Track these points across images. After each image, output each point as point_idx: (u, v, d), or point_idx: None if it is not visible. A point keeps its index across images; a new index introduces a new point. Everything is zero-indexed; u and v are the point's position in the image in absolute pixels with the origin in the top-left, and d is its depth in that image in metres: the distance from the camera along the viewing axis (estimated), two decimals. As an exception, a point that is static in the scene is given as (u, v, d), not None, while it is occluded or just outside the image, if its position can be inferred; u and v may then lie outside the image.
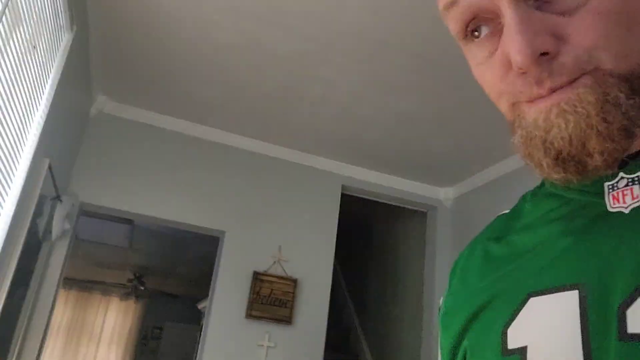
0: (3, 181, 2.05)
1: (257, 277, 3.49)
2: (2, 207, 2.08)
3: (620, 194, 0.44)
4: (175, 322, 8.51)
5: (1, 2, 1.63)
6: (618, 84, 0.40)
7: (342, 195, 4.02)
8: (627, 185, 0.44)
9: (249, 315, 3.42)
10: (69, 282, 8.22)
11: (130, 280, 7.91)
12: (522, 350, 0.43)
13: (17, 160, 2.16)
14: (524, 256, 0.49)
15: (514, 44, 0.40)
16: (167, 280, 7.92)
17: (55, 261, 3.15)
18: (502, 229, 0.56)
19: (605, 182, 0.45)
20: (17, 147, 2.13)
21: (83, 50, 2.83)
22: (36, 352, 2.96)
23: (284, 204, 3.78)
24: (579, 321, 0.40)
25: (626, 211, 0.43)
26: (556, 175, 0.45)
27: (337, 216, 3.90)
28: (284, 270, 3.61)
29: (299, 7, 2.47)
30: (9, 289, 2.21)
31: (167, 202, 3.51)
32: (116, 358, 8.45)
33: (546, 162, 0.44)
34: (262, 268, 3.56)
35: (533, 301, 0.44)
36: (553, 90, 0.42)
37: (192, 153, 3.68)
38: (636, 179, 0.43)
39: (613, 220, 0.43)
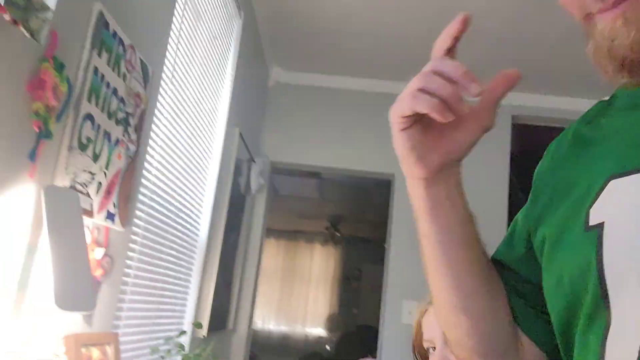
0: (207, 149, 2.62)
1: (429, 215, 3.68)
2: (208, 170, 2.66)
3: None
4: (371, 264, 9.21)
5: (179, 5, 2.08)
6: None
7: (514, 125, 3.90)
8: None
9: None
10: (278, 233, 9.47)
11: (326, 228, 8.77)
12: (600, 226, 0.46)
13: (214, 131, 2.72)
14: (610, 138, 0.52)
15: None
16: (359, 225, 8.57)
17: (257, 211, 3.81)
18: (595, 112, 0.60)
19: None
20: (212, 121, 2.68)
21: (253, 32, 3.28)
22: (251, 291, 3.67)
23: (450, 143, 3.85)
24: None
25: None
26: (623, 80, 0.49)
27: (509, 151, 3.82)
28: (455, 207, 3.72)
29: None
30: (223, 236, 2.82)
31: (342, 153, 3.89)
32: (324, 297, 9.53)
33: (612, 68, 0.48)
34: (433, 206, 3.73)
35: (614, 183, 0.47)
36: (618, 2, 0.46)
37: (358, 105, 3.97)
38: None
39: None
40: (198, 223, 2.59)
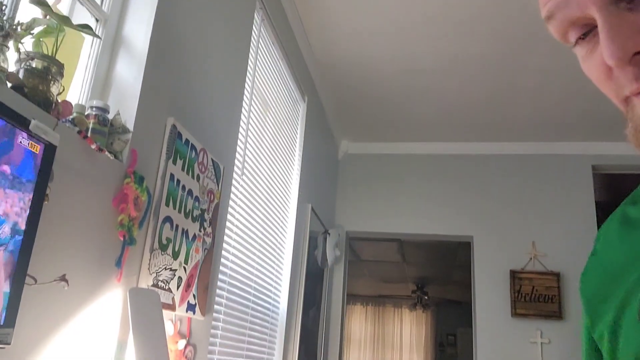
0: (281, 229, 2.74)
1: (515, 276, 3.52)
2: (284, 249, 2.77)
3: None
4: (466, 328, 8.75)
5: (247, 96, 2.27)
6: None
7: (595, 175, 3.72)
8: None
9: (515, 314, 3.46)
10: (364, 299, 9.34)
11: (413, 292, 8.52)
12: None
13: (287, 210, 2.85)
14: None
15: (605, 50, 0.42)
16: (447, 287, 8.25)
17: (337, 281, 3.84)
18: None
19: None
20: (285, 200, 2.82)
21: (318, 111, 3.47)
22: (337, 356, 3.63)
23: (530, 199, 3.73)
24: None
25: None
26: None
27: (593, 199, 3.62)
28: (543, 265, 3.54)
29: (491, 12, 2.58)
30: (302, 309, 2.87)
31: (417, 218, 3.88)
32: (419, 363, 9.10)
33: None
34: (519, 266, 3.57)
35: None
36: None
37: (427, 169, 3.98)
38: None
39: None
40: (277, 300, 2.67)
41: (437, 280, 8.02)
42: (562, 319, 3.40)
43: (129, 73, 1.45)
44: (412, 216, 3.89)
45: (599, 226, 3.61)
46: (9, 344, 0.83)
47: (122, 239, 1.31)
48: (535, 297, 3.44)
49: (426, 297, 8.65)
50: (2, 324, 0.81)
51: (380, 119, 3.77)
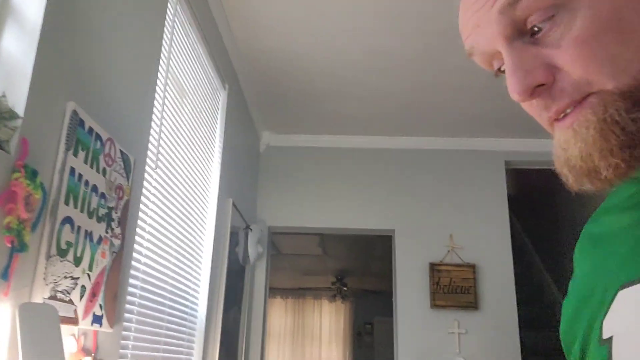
0: (200, 226, 2.56)
1: (434, 268, 3.59)
2: (203, 247, 2.59)
3: None
4: (382, 317, 8.96)
5: (161, 81, 2.07)
6: (618, 100, 0.41)
7: (508, 170, 3.88)
8: None
9: (434, 305, 3.53)
10: (284, 292, 9.27)
11: (333, 283, 8.59)
12: (609, 340, 0.45)
13: (206, 205, 2.67)
14: (612, 240, 0.51)
15: (509, 84, 0.45)
16: (365, 278, 8.39)
17: (259, 277, 3.71)
18: (600, 208, 0.57)
19: None
20: (204, 195, 2.63)
21: (239, 101, 3.30)
22: (259, 354, 3.52)
23: (448, 193, 3.81)
24: None
25: None
26: (584, 187, 0.48)
27: (506, 193, 3.78)
28: (460, 258, 3.64)
29: (415, 8, 2.55)
30: (223, 308, 2.71)
31: (340, 212, 3.84)
32: (337, 354, 9.21)
33: (571, 177, 0.48)
34: (438, 258, 3.65)
35: (623, 293, 0.46)
36: (563, 113, 0.46)
37: (350, 163, 3.95)
38: None
39: None
40: (196, 303, 2.50)
41: (356, 271, 8.13)
42: (477, 309, 3.52)
43: (18, 48, 1.22)
44: (335, 210, 3.85)
45: (511, 219, 3.79)
46: None
47: (9, 245, 1.10)
48: (453, 288, 3.54)
49: (345, 289, 8.75)
50: None
51: (304, 111, 3.67)
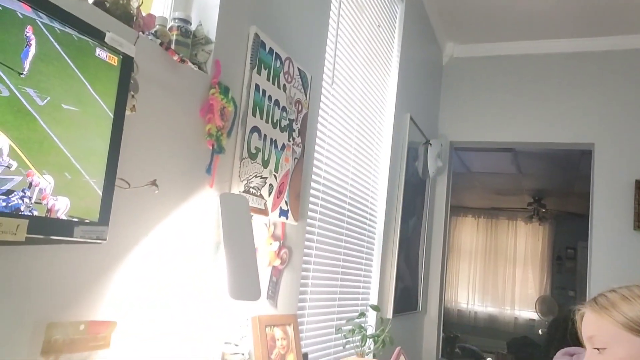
0: (377, 139, 2.71)
1: (641, 186, 3.18)
2: (380, 159, 2.74)
3: None
4: (587, 241, 8.26)
5: (334, 7, 2.18)
6: None
7: None
8: None
9: (638, 227, 3.16)
10: (476, 211, 9.15)
11: (529, 204, 8.14)
12: None
13: (383, 120, 2.78)
14: None
15: None
16: (567, 199, 7.74)
17: (439, 193, 3.77)
18: None
19: None
20: (381, 109, 2.75)
21: (419, 12, 3.24)
22: (439, 272, 3.67)
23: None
24: None
25: None
26: None
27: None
28: (678, 175, 3.14)
29: None
30: (401, 221, 2.88)
31: (532, 125, 3.59)
32: (533, 276, 8.90)
33: None
34: (647, 176, 3.21)
35: None
36: None
37: (542, 70, 3.61)
38: None
39: None
40: (375, 210, 2.70)
41: (556, 192, 7.54)
42: (697, 233, 3.05)
43: (207, -18, 1.44)
44: (525, 124, 3.61)
45: None
46: (104, 239, 0.93)
47: (210, 147, 1.38)
48: (664, 209, 3.10)
49: (544, 210, 8.22)
50: (97, 221, 0.91)
51: (491, 15, 3.42)
